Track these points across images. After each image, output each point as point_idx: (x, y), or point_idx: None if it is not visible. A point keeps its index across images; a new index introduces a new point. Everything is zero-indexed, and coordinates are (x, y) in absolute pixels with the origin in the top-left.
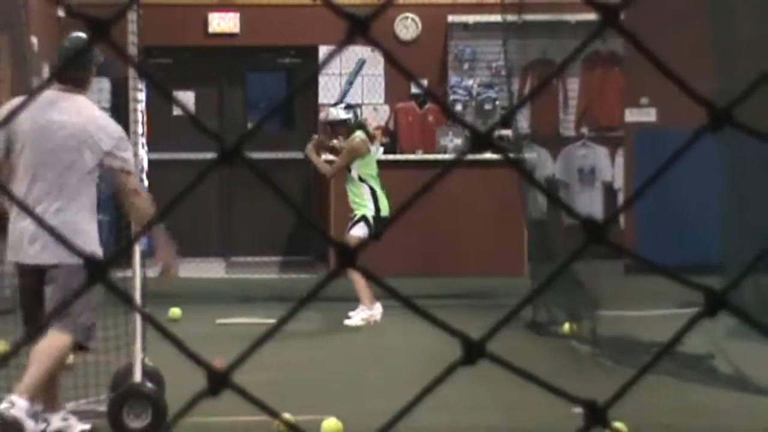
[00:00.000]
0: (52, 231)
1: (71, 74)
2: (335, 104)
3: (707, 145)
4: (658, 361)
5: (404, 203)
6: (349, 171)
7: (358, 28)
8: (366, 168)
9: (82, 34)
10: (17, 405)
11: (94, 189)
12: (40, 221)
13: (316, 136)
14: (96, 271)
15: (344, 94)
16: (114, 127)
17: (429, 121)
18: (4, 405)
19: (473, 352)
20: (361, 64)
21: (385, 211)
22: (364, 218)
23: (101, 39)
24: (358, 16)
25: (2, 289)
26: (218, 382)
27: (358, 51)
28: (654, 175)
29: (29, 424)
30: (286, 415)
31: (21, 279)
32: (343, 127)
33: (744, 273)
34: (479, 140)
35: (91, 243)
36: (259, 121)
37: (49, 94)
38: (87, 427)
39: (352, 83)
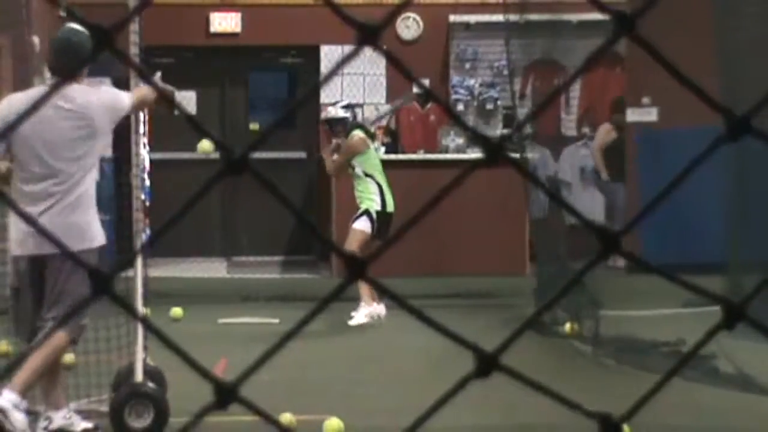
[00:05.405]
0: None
1: (69, 65)
2: (335, 103)
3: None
4: (674, 373)
5: (416, 209)
6: (353, 168)
7: (368, 36)
8: (369, 164)
9: (74, 26)
10: (5, 396)
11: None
12: (29, 219)
13: (336, 141)
14: (100, 283)
15: (379, 119)
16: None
17: (431, 120)
18: None
19: (487, 365)
20: (410, 98)
21: (390, 207)
22: (367, 212)
23: (104, 45)
24: (368, 25)
25: (2, 287)
26: (226, 394)
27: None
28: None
29: (16, 415)
30: (288, 415)
31: (24, 270)
32: (341, 126)
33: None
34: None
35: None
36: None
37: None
38: (90, 425)
39: (393, 112)
